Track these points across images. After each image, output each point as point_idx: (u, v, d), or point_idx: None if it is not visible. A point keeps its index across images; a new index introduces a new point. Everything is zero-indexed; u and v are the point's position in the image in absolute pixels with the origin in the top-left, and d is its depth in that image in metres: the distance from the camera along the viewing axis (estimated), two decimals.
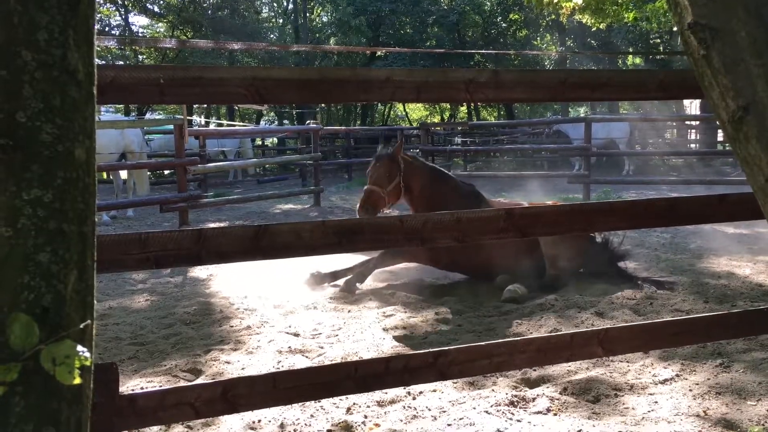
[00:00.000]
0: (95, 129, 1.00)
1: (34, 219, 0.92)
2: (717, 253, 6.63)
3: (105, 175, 11.33)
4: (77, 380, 0.87)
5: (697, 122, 19.23)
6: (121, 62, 22.46)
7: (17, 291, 0.91)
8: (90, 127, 0.99)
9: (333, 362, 3.50)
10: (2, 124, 0.89)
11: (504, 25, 22.41)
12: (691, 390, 3.10)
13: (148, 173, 15.67)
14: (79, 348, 0.88)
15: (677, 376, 3.29)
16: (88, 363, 0.89)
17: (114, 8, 23.19)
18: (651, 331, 2.68)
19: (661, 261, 6.34)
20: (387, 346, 3.86)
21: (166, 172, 17.13)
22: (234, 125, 18.53)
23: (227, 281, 5.80)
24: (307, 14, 25.50)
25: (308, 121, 15.75)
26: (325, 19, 25.89)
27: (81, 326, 0.92)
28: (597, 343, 2.53)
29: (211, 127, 19.13)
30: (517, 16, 21.49)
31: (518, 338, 2.60)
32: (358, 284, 5.39)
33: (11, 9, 0.89)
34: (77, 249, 0.97)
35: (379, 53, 22.00)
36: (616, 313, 4.38)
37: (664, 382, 3.24)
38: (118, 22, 23.98)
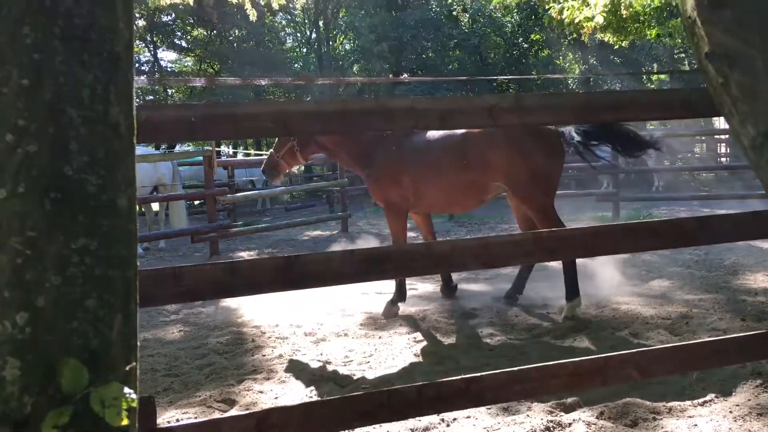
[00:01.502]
0: (136, 177, 1.05)
1: (81, 267, 0.97)
2: (752, 269, 6.49)
3: (138, 208, 11.54)
4: (125, 421, 0.90)
5: (726, 135, 18.92)
6: (151, 97, 22.99)
7: (67, 336, 0.95)
8: (131, 175, 1.04)
9: (366, 390, 3.50)
10: (51, 178, 0.95)
11: (525, 45, 22.44)
12: (731, 411, 3.03)
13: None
14: (126, 390, 0.91)
15: (716, 397, 3.22)
16: (134, 405, 0.92)
17: (143, 45, 23.85)
18: (688, 352, 2.63)
19: (696, 278, 6.23)
20: (419, 373, 3.86)
21: (196, 202, 17.40)
22: (261, 154, 18.78)
23: (258, 310, 5.85)
24: (330, 42, 25.90)
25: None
26: (347, 47, 26.23)
27: (127, 368, 0.96)
28: (633, 366, 2.50)
29: (239, 157, 19.41)
30: (538, 36, 21.52)
31: (551, 362, 2.58)
32: (400, 303, 5.48)
33: (57, 69, 0.95)
34: (122, 294, 1.01)
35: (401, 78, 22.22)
36: (650, 333, 4.31)
37: (703, 404, 3.17)
38: (147, 58, 24.64)
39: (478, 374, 2.39)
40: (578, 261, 5.18)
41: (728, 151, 21.08)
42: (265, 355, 4.47)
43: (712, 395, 3.24)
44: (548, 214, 4.95)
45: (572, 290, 5.00)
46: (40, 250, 0.96)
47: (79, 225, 0.98)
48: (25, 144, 0.95)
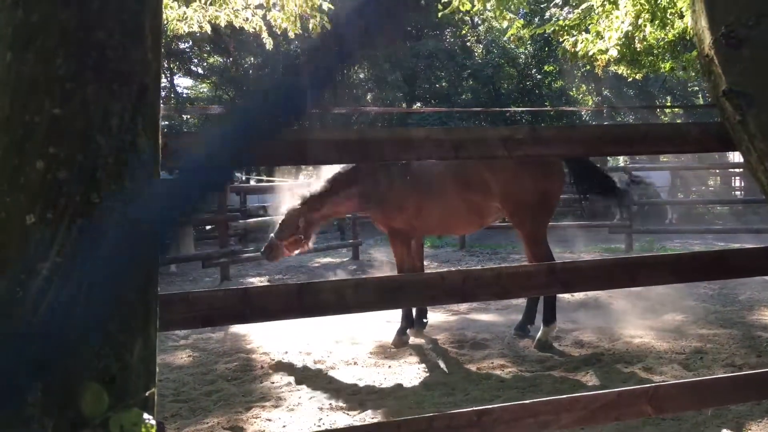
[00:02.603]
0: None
1: (105, 291, 0.99)
2: None
3: None
4: None
5: (741, 169, 18.84)
6: (166, 123, 23.28)
7: (88, 360, 0.97)
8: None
9: (375, 420, 3.47)
10: (79, 204, 0.97)
11: (539, 76, 22.59)
12: None
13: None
14: (145, 416, 0.92)
15: None
16: (153, 431, 0.93)
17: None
18: (703, 388, 2.59)
19: (710, 313, 6.16)
20: (429, 403, 3.82)
21: (208, 227, 17.48)
22: (273, 181, 18.91)
23: (268, 336, 5.83)
24: (345, 71, 26.18)
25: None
26: (362, 75, 26.54)
27: (146, 394, 0.97)
28: (646, 401, 2.46)
29: (252, 183, 19.54)
30: (551, 68, 21.66)
31: (564, 396, 2.56)
32: (408, 332, 5.46)
33: (89, 99, 0.98)
34: (142, 318, 1.03)
35: (415, 108, 22.36)
36: (664, 368, 4.25)
37: None
38: (163, 84, 25.05)
39: (490, 406, 2.37)
40: (591, 293, 5.17)
41: (743, 185, 20.97)
42: (273, 383, 4.45)
43: None
44: (538, 242, 5.03)
45: (550, 315, 5.11)
46: (66, 275, 0.98)
47: (104, 251, 0.99)
48: (54, 171, 0.98)
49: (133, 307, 1.02)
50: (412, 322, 5.56)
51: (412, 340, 5.48)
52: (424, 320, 5.77)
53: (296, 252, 5.84)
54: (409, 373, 4.53)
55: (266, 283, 9.24)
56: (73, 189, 0.98)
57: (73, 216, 0.98)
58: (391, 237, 5.63)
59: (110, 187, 1.00)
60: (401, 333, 5.40)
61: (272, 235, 5.78)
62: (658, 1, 7.68)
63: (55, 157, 0.98)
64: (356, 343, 5.46)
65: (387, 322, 6.15)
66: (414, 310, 5.66)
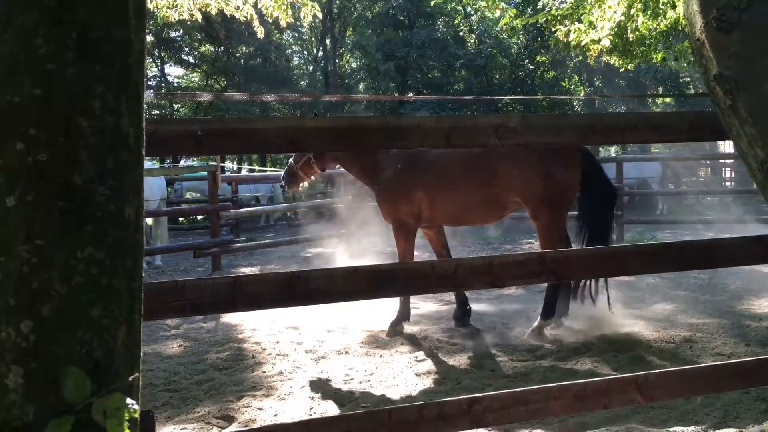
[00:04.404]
0: (143, 188, 1.06)
1: (87, 276, 0.97)
2: (757, 294, 6.45)
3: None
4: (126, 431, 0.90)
5: (731, 160, 18.93)
6: (157, 112, 23.12)
7: (71, 345, 0.95)
8: (139, 186, 1.05)
9: (366, 409, 3.47)
10: (61, 187, 0.95)
11: (531, 67, 22.57)
12: None
13: (181, 219, 15.86)
14: (128, 400, 0.91)
15: (721, 423, 3.19)
16: (136, 415, 0.92)
17: (151, 60, 24.04)
18: (691, 376, 2.61)
19: (700, 302, 6.19)
20: (420, 392, 3.83)
21: (199, 217, 17.42)
22: (265, 170, 18.86)
23: (259, 326, 5.83)
24: (337, 61, 26.09)
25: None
26: (354, 65, 26.43)
27: (130, 379, 0.96)
28: (635, 390, 2.47)
29: (244, 172, 19.48)
30: (544, 58, 21.65)
31: (554, 384, 2.56)
32: (404, 323, 5.45)
33: (70, 79, 0.96)
34: (126, 304, 1.01)
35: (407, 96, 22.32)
36: (654, 357, 4.28)
37: (706, 429, 3.13)
38: (154, 73, 24.83)
39: (480, 395, 2.37)
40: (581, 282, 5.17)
41: (733, 176, 21.09)
42: (265, 372, 4.44)
43: (717, 420, 3.21)
44: (553, 236, 4.95)
45: (548, 310, 5.06)
46: (47, 259, 0.96)
47: (86, 234, 0.98)
48: (35, 153, 0.96)
49: (117, 292, 1.01)
50: (408, 315, 5.53)
51: (405, 329, 5.48)
52: (468, 307, 5.69)
53: (312, 177, 6.24)
54: (401, 362, 4.54)
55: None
56: (55, 171, 0.97)
57: (55, 198, 0.97)
58: (395, 229, 5.55)
59: (93, 169, 0.99)
60: (396, 323, 5.38)
61: (290, 160, 6.15)
62: None
63: (35, 139, 0.96)
64: (348, 333, 5.46)
65: (379, 311, 6.16)
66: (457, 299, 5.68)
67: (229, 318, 6.36)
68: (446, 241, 5.87)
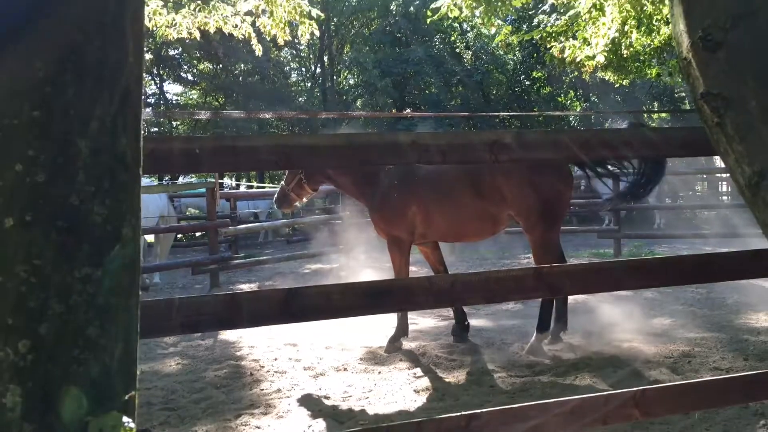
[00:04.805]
0: (141, 207, 1.08)
1: (84, 295, 0.98)
2: (755, 308, 6.45)
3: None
4: None
5: (727, 174, 18.96)
6: (155, 129, 23.20)
7: (68, 364, 0.96)
8: (136, 206, 1.06)
9: (364, 426, 3.46)
10: (58, 208, 0.96)
11: (527, 82, 22.72)
12: None
13: (179, 236, 15.80)
14: (125, 419, 0.92)
15: None
16: None
17: (150, 78, 24.17)
18: (690, 391, 2.61)
19: (698, 317, 6.19)
20: (418, 408, 3.82)
21: (198, 233, 17.40)
22: (264, 187, 18.88)
23: (257, 343, 5.81)
24: (335, 77, 26.24)
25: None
26: (351, 81, 26.57)
27: (126, 397, 0.96)
28: (633, 405, 2.47)
29: (242, 189, 19.50)
30: (540, 74, 21.79)
31: (552, 400, 2.56)
32: (402, 339, 5.44)
33: (68, 102, 0.98)
34: (123, 323, 1.02)
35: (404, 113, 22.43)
36: (652, 372, 4.27)
37: None
38: (153, 91, 24.95)
39: (479, 411, 2.37)
40: (580, 297, 5.18)
41: (729, 190, 21.15)
42: (263, 390, 4.43)
43: None
44: (546, 250, 4.96)
45: (543, 324, 5.06)
46: (45, 278, 0.97)
47: (84, 254, 0.99)
48: (33, 174, 0.97)
49: (115, 311, 1.02)
50: (407, 330, 5.53)
51: (403, 345, 5.47)
52: (466, 323, 5.69)
53: (305, 198, 6.20)
54: (399, 379, 4.53)
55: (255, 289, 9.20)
56: (53, 191, 0.98)
57: (53, 218, 0.98)
58: (389, 245, 5.54)
59: (90, 189, 1.00)
60: (394, 339, 5.38)
61: (282, 182, 6.19)
62: (644, 8, 7.76)
63: (34, 160, 0.97)
64: (346, 350, 5.45)
65: (377, 327, 6.15)
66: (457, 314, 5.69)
67: (226, 335, 6.35)
68: (442, 257, 5.86)
